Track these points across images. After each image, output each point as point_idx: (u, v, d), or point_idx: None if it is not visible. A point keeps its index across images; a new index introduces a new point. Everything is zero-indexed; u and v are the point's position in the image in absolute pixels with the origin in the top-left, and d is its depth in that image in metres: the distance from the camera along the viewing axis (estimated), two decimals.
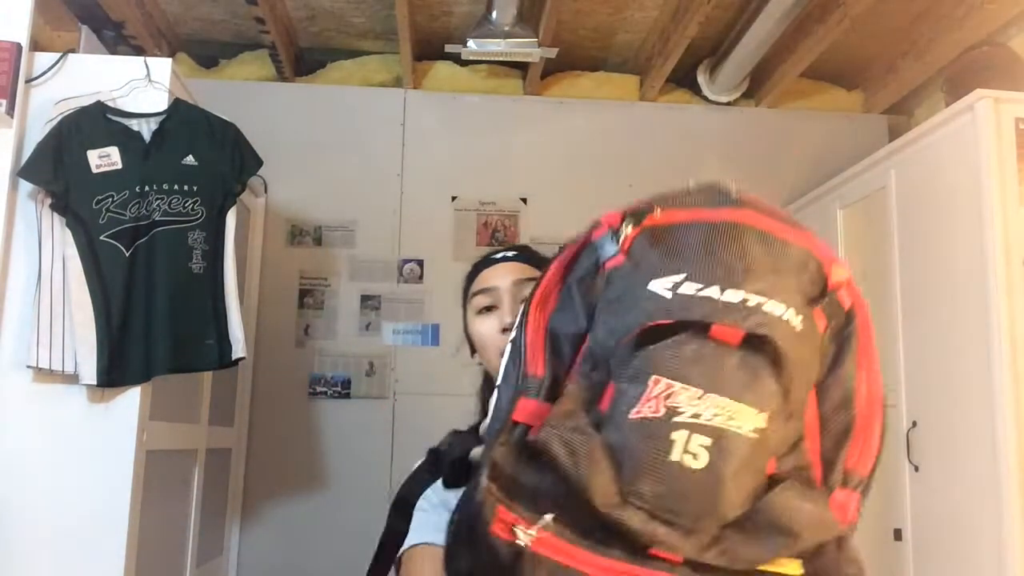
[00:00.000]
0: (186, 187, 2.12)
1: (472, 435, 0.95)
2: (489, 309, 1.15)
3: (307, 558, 3.18)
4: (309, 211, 3.42)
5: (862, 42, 3.32)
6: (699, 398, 0.59)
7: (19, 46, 2.07)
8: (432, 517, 1.02)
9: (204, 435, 2.70)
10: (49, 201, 2.04)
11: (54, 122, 2.06)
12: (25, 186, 2.07)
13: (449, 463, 0.94)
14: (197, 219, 2.13)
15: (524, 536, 0.62)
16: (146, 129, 2.13)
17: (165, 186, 2.10)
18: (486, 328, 1.14)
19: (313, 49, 3.55)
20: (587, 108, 3.60)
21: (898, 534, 2.60)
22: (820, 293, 0.66)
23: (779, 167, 3.50)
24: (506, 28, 3.02)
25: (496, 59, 3.26)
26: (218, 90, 3.26)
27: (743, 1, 3.06)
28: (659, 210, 0.67)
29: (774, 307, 0.61)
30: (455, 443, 0.96)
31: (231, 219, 2.20)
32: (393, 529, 1.03)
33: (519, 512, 0.63)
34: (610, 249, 0.67)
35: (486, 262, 1.20)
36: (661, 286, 0.62)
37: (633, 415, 0.60)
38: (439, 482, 1.05)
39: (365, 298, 3.39)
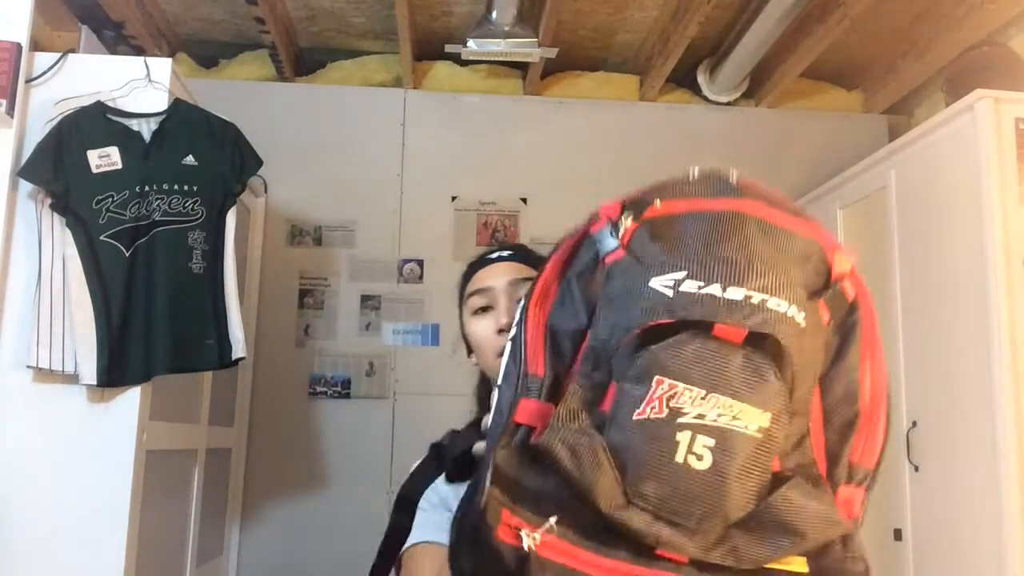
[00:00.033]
0: (186, 187, 2.12)
1: (474, 429, 0.95)
2: (485, 309, 1.14)
3: (307, 558, 3.18)
4: (309, 211, 3.42)
5: (862, 42, 3.32)
6: (703, 398, 0.58)
7: (19, 46, 2.07)
8: (433, 516, 1.02)
9: (204, 435, 2.70)
10: (49, 201, 2.04)
11: (54, 122, 2.06)
12: (25, 186, 2.07)
13: (452, 458, 0.94)
14: (197, 219, 2.13)
15: (529, 540, 0.62)
16: (146, 129, 2.13)
17: (165, 186, 2.10)
18: (482, 329, 1.14)
19: (313, 49, 3.55)
20: (587, 108, 3.60)
21: (898, 534, 2.60)
22: (823, 284, 0.65)
23: (779, 167, 3.49)
24: (506, 28, 3.02)
25: (496, 59, 3.26)
26: (218, 90, 3.26)
27: (743, 1, 3.06)
28: (659, 201, 0.66)
29: (777, 304, 0.60)
30: (457, 438, 0.96)
31: (231, 219, 2.20)
32: (397, 526, 1.03)
33: (523, 515, 0.63)
34: (610, 243, 0.66)
35: (482, 262, 1.20)
36: (662, 283, 0.61)
37: (636, 416, 0.59)
38: (440, 480, 1.05)
39: (365, 298, 3.39)
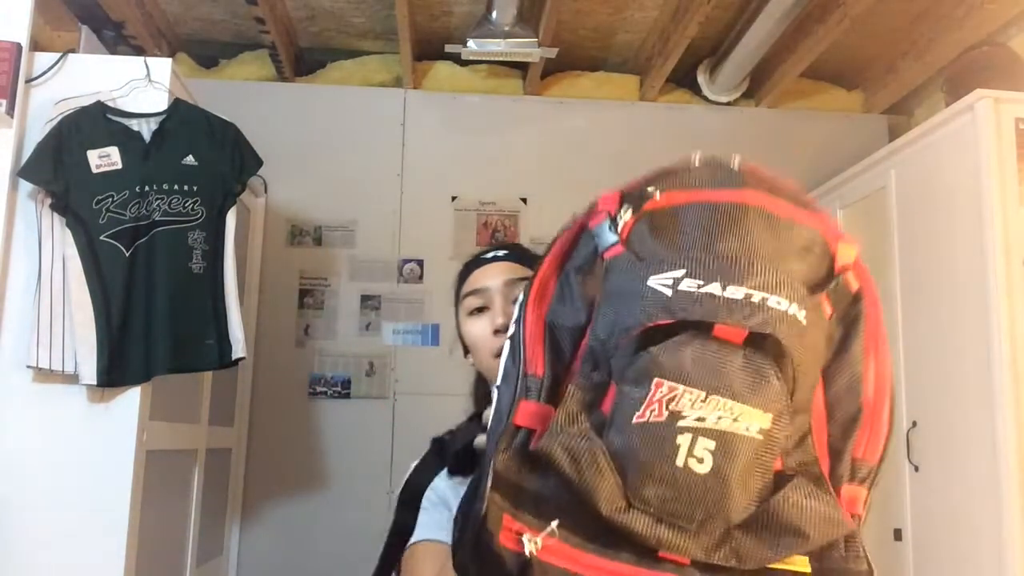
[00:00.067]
0: (186, 187, 2.12)
1: (475, 423, 0.94)
2: (481, 310, 1.14)
3: (307, 558, 3.18)
4: (309, 211, 3.42)
5: (862, 42, 3.32)
6: (703, 400, 0.57)
7: (19, 46, 2.07)
8: (433, 515, 1.02)
9: (204, 435, 2.70)
10: (49, 201, 2.04)
11: (54, 122, 2.06)
12: (25, 186, 2.07)
13: (453, 452, 0.93)
14: (197, 219, 2.13)
15: (530, 545, 0.61)
16: (146, 129, 2.13)
17: (165, 186, 2.10)
18: (478, 329, 1.13)
19: (313, 49, 3.55)
20: (587, 108, 3.60)
21: (898, 534, 2.60)
22: (826, 275, 0.64)
23: (779, 167, 3.42)
24: (506, 28, 3.02)
25: (496, 59, 3.26)
26: (218, 90, 3.26)
27: (743, 1, 3.06)
28: (658, 192, 0.65)
29: (777, 302, 0.59)
30: (458, 431, 0.95)
31: (231, 219, 2.20)
32: (401, 522, 1.02)
33: (525, 520, 0.62)
34: (609, 238, 0.64)
35: (477, 262, 1.19)
36: (660, 282, 0.60)
37: (636, 419, 0.58)
38: (439, 477, 1.05)
39: (365, 298, 3.39)
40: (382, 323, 3.37)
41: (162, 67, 2.20)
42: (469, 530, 0.64)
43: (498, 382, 0.70)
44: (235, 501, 3.15)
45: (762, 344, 0.59)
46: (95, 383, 1.99)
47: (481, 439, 0.85)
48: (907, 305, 2.64)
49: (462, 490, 1.14)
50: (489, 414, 0.70)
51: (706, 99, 3.63)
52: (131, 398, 2.06)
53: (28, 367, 1.99)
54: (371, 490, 3.12)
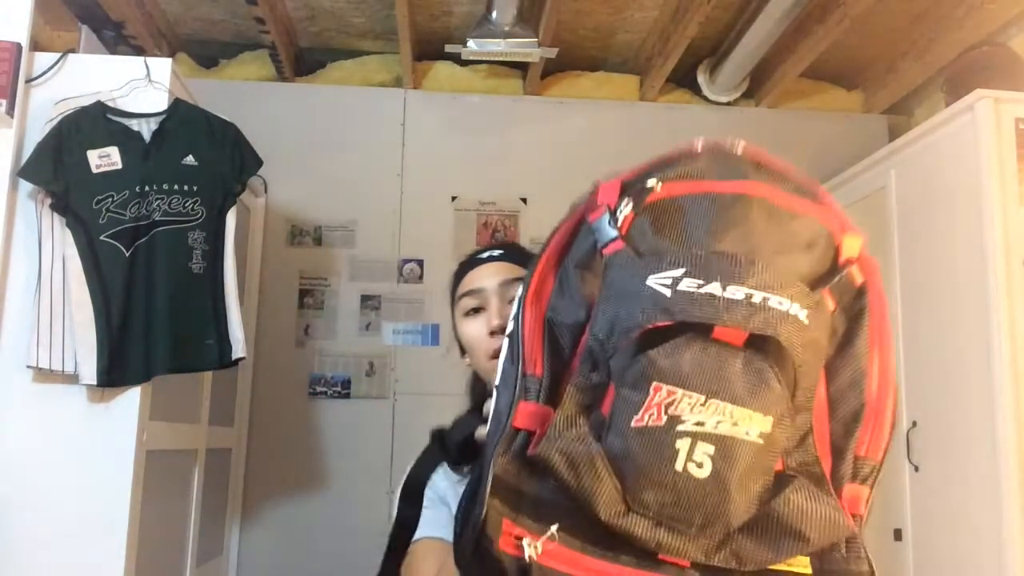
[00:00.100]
0: (186, 187, 2.12)
1: (475, 415, 0.93)
2: (476, 311, 1.14)
3: (307, 558, 3.18)
4: (309, 211, 3.42)
5: (862, 42, 3.32)
6: (702, 405, 0.56)
7: (19, 46, 2.07)
8: (432, 513, 1.03)
9: (204, 435, 2.70)
10: (49, 201, 2.04)
11: (54, 122, 2.06)
12: (25, 186, 2.07)
13: (454, 444, 0.93)
14: (197, 219, 2.13)
15: (530, 549, 0.61)
16: (146, 129, 2.14)
17: (165, 186, 2.10)
18: (474, 330, 1.13)
19: (313, 49, 3.55)
20: (587, 108, 3.60)
21: (898, 534, 2.60)
22: (830, 269, 0.63)
23: None
24: (506, 28, 3.02)
25: (496, 59, 3.26)
26: (218, 90, 3.26)
27: (743, 1, 3.06)
28: (659, 184, 0.63)
29: (779, 302, 0.58)
30: (459, 423, 0.95)
31: (231, 219, 2.20)
32: (404, 515, 1.02)
33: (524, 524, 0.62)
34: (609, 233, 0.63)
35: (472, 262, 1.19)
36: (659, 282, 0.59)
37: (635, 423, 0.58)
38: (438, 475, 1.05)
39: (365, 298, 3.39)
40: (382, 323, 3.37)
41: (162, 67, 2.20)
42: (468, 534, 0.64)
43: (496, 382, 0.69)
44: (235, 501, 3.15)
45: (763, 346, 0.58)
46: (95, 383, 1.99)
47: (482, 431, 0.84)
48: (907, 305, 2.64)
49: (461, 489, 1.14)
50: (490, 407, 0.70)
51: (706, 99, 3.63)
52: (131, 398, 2.06)
53: (28, 367, 1.99)
54: (371, 490, 3.12)
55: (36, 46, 2.24)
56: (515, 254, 1.18)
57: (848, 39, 3.18)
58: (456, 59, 3.35)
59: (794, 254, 0.61)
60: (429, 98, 3.56)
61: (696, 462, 0.57)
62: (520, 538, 0.61)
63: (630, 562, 0.61)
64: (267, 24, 3.05)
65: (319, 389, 3.31)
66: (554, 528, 0.61)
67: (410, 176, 3.48)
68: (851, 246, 0.64)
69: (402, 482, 1.04)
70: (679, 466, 0.57)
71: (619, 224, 0.63)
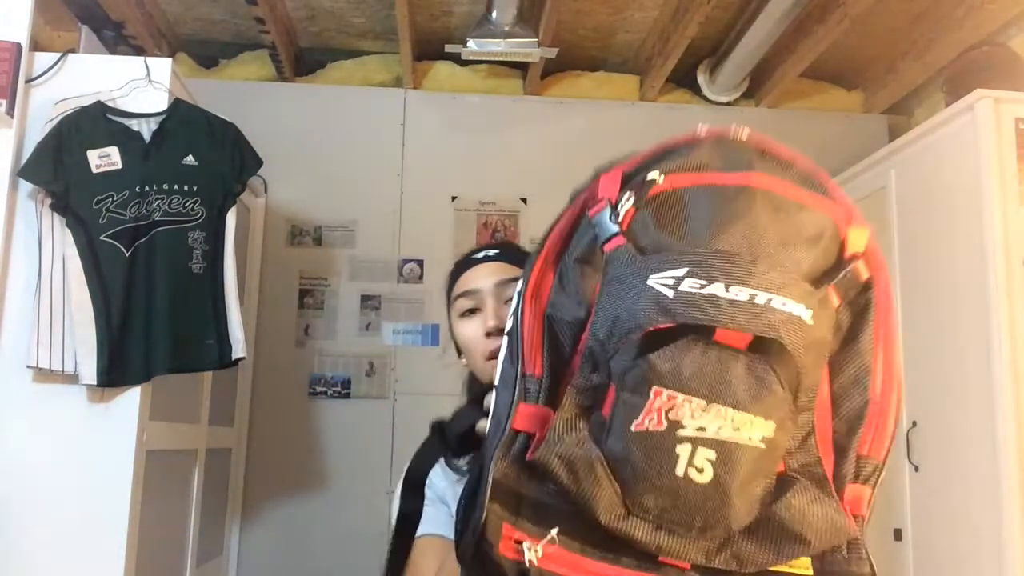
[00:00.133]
0: (186, 187, 2.12)
1: (475, 407, 0.93)
2: (472, 311, 1.14)
3: (307, 558, 3.18)
4: (309, 211, 3.42)
5: (862, 42, 3.32)
6: (703, 410, 0.56)
7: (19, 46, 2.07)
8: (431, 511, 1.03)
9: (204, 435, 2.70)
10: (49, 201, 2.04)
11: (54, 122, 2.06)
12: (25, 186, 2.07)
13: (455, 436, 0.92)
14: (197, 219, 2.13)
15: (530, 553, 0.60)
16: (146, 129, 2.14)
17: (165, 186, 2.10)
18: (469, 331, 1.13)
19: (313, 49, 3.55)
20: (587, 108, 3.60)
21: (898, 534, 2.60)
22: (835, 263, 0.61)
23: None
24: (506, 28, 3.02)
25: (496, 59, 3.26)
26: (218, 90, 3.26)
27: (743, 1, 3.06)
28: (662, 176, 0.62)
29: (783, 303, 0.56)
30: (459, 415, 0.94)
31: (231, 219, 2.21)
32: (408, 508, 1.02)
33: (524, 528, 0.61)
34: (610, 228, 0.62)
35: (468, 262, 1.18)
36: (661, 282, 0.57)
37: (635, 427, 0.57)
38: (436, 474, 1.04)
39: (365, 298, 3.39)
40: (382, 323, 3.37)
41: (162, 67, 2.20)
42: (468, 538, 0.63)
43: (496, 382, 0.68)
44: (235, 501, 3.15)
45: (765, 348, 0.57)
46: (95, 383, 1.99)
47: (483, 423, 0.83)
48: (907, 305, 2.64)
49: (460, 488, 1.13)
50: (491, 400, 0.69)
51: (706, 99, 3.63)
52: (131, 398, 2.06)
53: (28, 367, 1.99)
54: (371, 490, 3.12)
55: (36, 46, 2.24)
56: (511, 254, 1.18)
57: (848, 39, 3.18)
58: (456, 59, 3.35)
59: (798, 248, 0.60)
60: (429, 98, 3.56)
61: (697, 467, 0.56)
62: (520, 542, 0.61)
63: (630, 564, 0.60)
64: (267, 24, 3.05)
65: (319, 389, 3.31)
66: (554, 532, 0.61)
67: (410, 176, 3.48)
68: (857, 239, 0.62)
69: (403, 474, 1.04)
70: (680, 471, 0.56)
71: (620, 219, 0.62)
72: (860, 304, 0.62)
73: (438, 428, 0.95)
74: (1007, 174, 2.32)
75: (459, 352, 1.18)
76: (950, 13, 3.02)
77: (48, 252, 2.02)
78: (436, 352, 3.32)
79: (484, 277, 1.14)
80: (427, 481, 1.03)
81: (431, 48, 3.43)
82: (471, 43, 3.06)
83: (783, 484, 0.59)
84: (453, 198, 3.49)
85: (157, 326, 2.05)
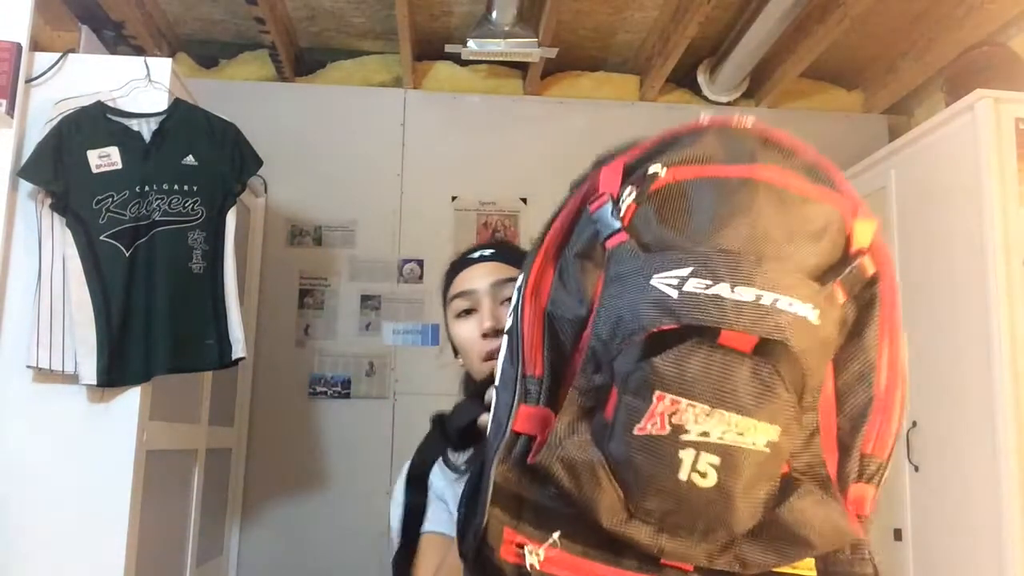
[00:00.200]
0: (186, 187, 2.12)
1: (476, 401, 0.92)
2: (468, 312, 1.13)
3: (307, 558, 3.18)
4: (309, 211, 3.42)
5: (862, 42, 3.32)
6: (707, 415, 0.54)
7: (19, 46, 2.07)
8: (431, 509, 1.03)
9: (204, 435, 2.70)
10: (49, 201, 2.04)
11: (54, 122, 2.06)
12: (25, 186, 2.07)
13: (456, 430, 0.92)
14: (197, 219, 2.13)
15: (532, 557, 0.60)
16: (146, 129, 2.14)
17: (165, 186, 2.10)
18: (465, 332, 1.13)
19: (313, 49, 3.55)
20: (587, 108, 3.60)
21: (898, 534, 2.60)
22: (840, 258, 0.60)
23: None
24: (506, 28, 3.02)
25: (496, 59, 3.26)
26: (218, 90, 3.26)
27: (743, 1, 3.06)
28: (664, 169, 0.61)
29: (789, 304, 0.55)
30: (460, 409, 0.93)
31: (231, 219, 2.21)
32: (413, 502, 1.02)
33: (526, 532, 0.61)
34: (611, 224, 0.60)
35: (464, 262, 1.18)
36: (665, 282, 0.56)
37: (637, 431, 0.56)
38: (435, 474, 1.04)
39: (365, 298, 3.39)
40: (382, 323, 3.37)
41: (162, 67, 2.20)
42: (470, 541, 0.63)
43: (496, 383, 0.68)
44: (235, 501, 3.15)
45: (770, 350, 0.55)
46: (95, 383, 1.99)
47: (484, 418, 0.82)
48: (907, 305, 2.61)
49: (459, 488, 1.13)
50: (492, 394, 0.68)
51: (706, 99, 3.63)
52: (131, 398, 2.06)
53: (28, 367, 1.99)
54: (371, 490, 3.12)
55: (36, 46, 2.24)
56: (507, 253, 1.17)
57: (848, 39, 3.18)
58: (456, 59, 3.35)
59: (803, 244, 0.59)
60: (429, 98, 3.56)
61: (700, 472, 0.55)
62: (521, 546, 0.60)
63: (632, 566, 0.60)
64: (267, 24, 3.05)
65: (319, 389, 3.31)
66: (556, 535, 0.60)
67: (410, 176, 3.48)
68: (863, 232, 0.61)
69: (405, 470, 1.04)
70: (683, 476, 0.55)
71: (622, 215, 0.60)
72: (865, 299, 0.61)
73: (439, 422, 0.95)
74: (1007, 174, 2.32)
75: (455, 352, 1.18)
76: (950, 13, 3.02)
77: (48, 252, 2.02)
78: (436, 352, 3.32)
79: (480, 277, 1.14)
80: (429, 481, 1.03)
81: (431, 48, 3.43)
82: (471, 43, 3.07)
83: (787, 486, 0.58)
84: (453, 198, 3.49)
85: (157, 326, 2.06)
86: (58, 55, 2.18)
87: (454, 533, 1.03)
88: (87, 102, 2.09)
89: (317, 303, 3.37)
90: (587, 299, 0.61)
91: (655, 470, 0.56)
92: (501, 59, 3.24)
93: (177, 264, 2.10)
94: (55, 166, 2.02)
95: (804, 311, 0.56)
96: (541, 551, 0.60)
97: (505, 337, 0.66)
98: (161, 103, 2.17)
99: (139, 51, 3.14)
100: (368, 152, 3.48)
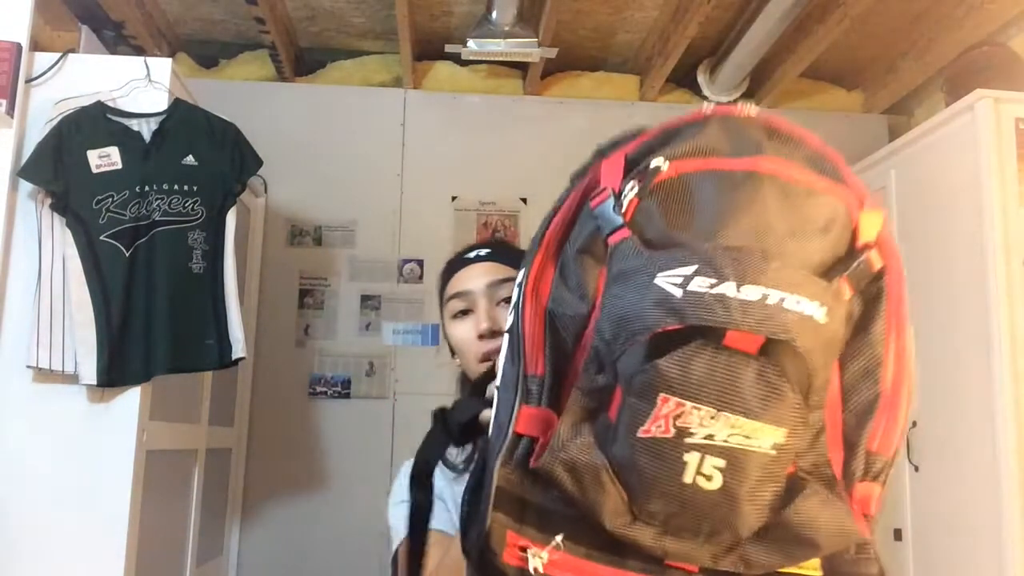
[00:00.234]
0: (186, 187, 2.12)
1: (478, 396, 0.92)
2: (465, 313, 1.13)
3: (307, 558, 3.18)
4: (309, 211, 3.42)
5: (862, 42, 3.32)
6: (712, 418, 0.54)
7: (19, 46, 2.07)
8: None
9: (204, 435, 2.70)
10: (49, 201, 2.04)
11: (54, 122, 2.06)
12: (25, 186, 2.07)
13: (458, 425, 0.92)
14: (197, 219, 2.13)
15: (535, 560, 0.59)
16: (146, 129, 2.14)
17: (165, 186, 2.10)
18: (462, 333, 1.13)
19: (313, 49, 3.55)
20: (587, 108, 3.60)
21: (898, 534, 2.60)
22: (846, 251, 0.59)
23: None
24: (506, 28, 3.02)
25: (496, 59, 3.26)
26: (218, 90, 3.26)
27: (743, 1, 3.06)
28: (666, 162, 0.60)
29: (796, 302, 0.54)
30: (462, 405, 0.94)
31: (231, 219, 2.21)
32: (418, 501, 1.02)
33: (529, 534, 0.60)
34: (613, 220, 0.59)
35: (460, 262, 1.18)
36: (669, 280, 0.55)
37: (641, 433, 0.55)
38: (435, 469, 1.04)
39: (365, 298, 3.39)
40: (382, 323, 3.37)
41: (162, 67, 2.20)
42: (472, 541, 0.63)
43: (497, 383, 0.67)
44: (235, 501, 3.15)
45: (777, 351, 0.54)
46: (95, 383, 1.99)
47: (487, 413, 0.82)
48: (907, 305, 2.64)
49: (457, 487, 1.13)
50: (494, 389, 0.68)
51: (706, 99, 3.62)
52: (131, 398, 2.06)
53: (28, 367, 1.99)
54: (371, 490, 3.11)
55: (36, 46, 2.24)
56: (503, 253, 1.17)
57: (848, 39, 3.18)
58: (456, 59, 3.35)
59: (809, 239, 0.58)
60: (429, 98, 3.56)
61: (705, 475, 0.55)
62: (525, 549, 0.60)
63: (636, 567, 0.59)
64: (267, 24, 3.05)
65: (319, 389, 3.31)
66: (559, 538, 0.60)
67: (410, 176, 3.48)
68: (869, 226, 0.60)
69: (406, 469, 1.03)
70: (687, 479, 0.55)
71: (624, 210, 0.59)
72: (872, 292, 0.60)
73: (441, 417, 0.95)
74: (1007, 174, 2.32)
75: (452, 353, 1.18)
76: (950, 13, 3.02)
77: (48, 252, 2.02)
78: (436, 352, 3.32)
79: (476, 278, 1.14)
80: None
81: (431, 48, 3.43)
82: (471, 43, 3.06)
83: (793, 487, 0.57)
84: (453, 198, 3.49)
85: (157, 326, 2.06)
86: (58, 55, 2.18)
87: (452, 531, 1.03)
88: (87, 102, 2.09)
89: (317, 303, 3.37)
90: (589, 296, 0.60)
91: (659, 473, 0.55)
92: (501, 59, 3.24)
93: (177, 264, 2.10)
94: (55, 166, 2.03)
95: (811, 310, 0.55)
96: (544, 554, 0.60)
97: (506, 335, 0.66)
98: (161, 103, 2.17)
99: (139, 51, 3.13)
100: (368, 152, 3.47)
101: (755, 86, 3.60)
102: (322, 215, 3.42)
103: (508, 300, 1.12)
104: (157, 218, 2.08)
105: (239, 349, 2.19)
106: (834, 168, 0.62)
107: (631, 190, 0.60)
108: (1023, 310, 2.25)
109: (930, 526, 2.49)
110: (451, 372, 1.23)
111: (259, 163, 2.30)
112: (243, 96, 3.36)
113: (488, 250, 1.18)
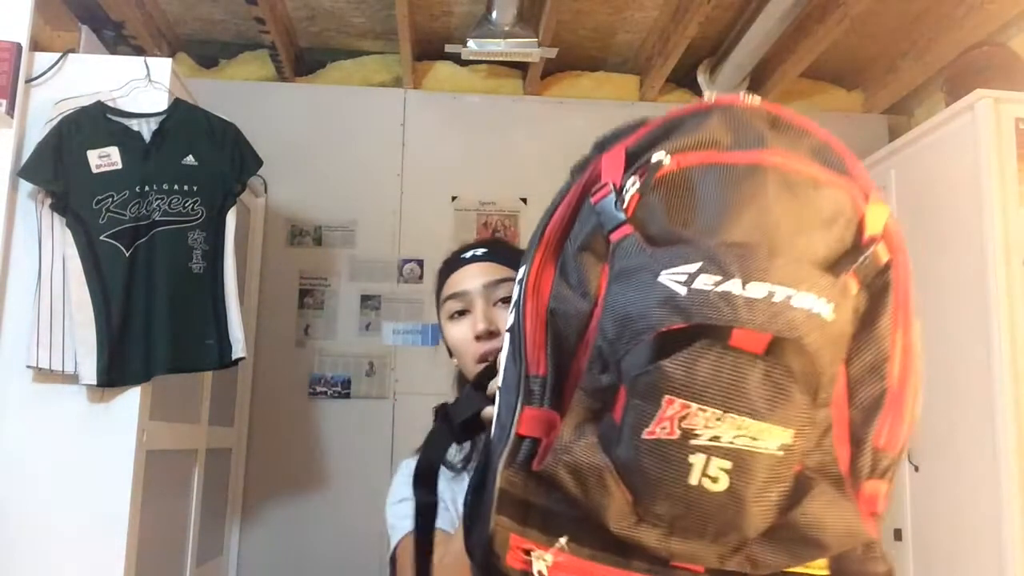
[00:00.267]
0: (186, 187, 2.12)
1: (479, 394, 0.91)
2: (462, 313, 1.13)
3: (307, 558, 3.18)
4: (309, 211, 3.42)
5: (862, 42, 3.32)
6: (718, 419, 0.53)
7: (19, 46, 2.07)
8: None
9: (204, 435, 2.70)
10: (49, 201, 2.04)
11: (54, 122, 2.06)
12: (25, 186, 2.07)
13: (460, 423, 0.91)
14: (197, 219, 2.13)
15: (539, 563, 0.59)
16: (146, 129, 2.14)
17: (165, 186, 2.10)
18: (459, 334, 1.12)
19: (313, 49, 3.55)
20: (587, 108, 3.60)
21: (898, 534, 2.60)
22: (852, 244, 0.58)
23: None
24: (506, 28, 3.02)
25: (496, 59, 3.26)
26: (218, 90, 3.26)
27: (743, 1, 3.06)
28: (668, 156, 0.58)
29: (802, 300, 0.53)
30: (464, 401, 0.91)
31: (231, 219, 2.21)
32: (423, 501, 1.01)
33: (533, 537, 0.59)
34: (615, 216, 0.58)
35: (456, 262, 1.17)
36: (673, 278, 0.54)
37: (646, 435, 0.54)
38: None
39: (365, 298, 3.38)
40: (382, 323, 3.37)
41: (162, 67, 2.20)
42: (475, 541, 0.62)
43: (498, 383, 0.67)
44: (235, 501, 3.15)
45: (784, 348, 0.53)
46: (95, 383, 1.99)
47: (489, 410, 0.81)
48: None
49: (456, 487, 1.13)
50: (495, 387, 0.67)
51: None
52: (131, 398, 2.06)
53: (28, 367, 1.99)
54: (371, 490, 3.09)
55: (36, 46, 2.24)
56: (500, 252, 1.16)
57: (848, 39, 3.18)
58: (456, 59, 3.35)
59: (814, 233, 0.57)
60: (429, 98, 3.56)
61: (711, 477, 0.54)
62: (529, 551, 0.59)
63: (642, 568, 0.59)
64: (267, 24, 3.05)
65: (319, 389, 3.30)
66: (563, 540, 0.59)
67: (410, 176, 3.48)
68: (875, 219, 0.58)
69: (408, 468, 1.02)
70: (693, 481, 0.54)
71: (625, 205, 0.58)
72: (878, 286, 0.59)
73: (442, 414, 0.94)
74: (1007, 174, 2.32)
75: (450, 353, 1.18)
76: (950, 13, 3.02)
77: (48, 252, 2.02)
78: (436, 352, 3.32)
79: (472, 278, 1.13)
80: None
81: (431, 48, 3.43)
82: (471, 43, 3.06)
83: (800, 487, 0.56)
84: (453, 198, 3.49)
85: (157, 326, 2.06)
86: (58, 55, 2.18)
87: (451, 530, 1.03)
88: (87, 102, 2.09)
89: (317, 303, 3.37)
90: (591, 293, 0.60)
91: (664, 475, 0.55)
92: (501, 59, 3.24)
93: (177, 264, 2.10)
94: (55, 166, 2.03)
95: (818, 307, 0.54)
96: (549, 556, 0.59)
97: (506, 335, 0.65)
98: (161, 103, 2.17)
99: (139, 51, 3.13)
100: (368, 152, 3.47)
101: (755, 86, 3.59)
102: (322, 215, 3.42)
103: (505, 300, 1.12)
104: (157, 218, 2.08)
105: (239, 349, 2.19)
106: (839, 160, 0.61)
107: (633, 185, 0.59)
108: (1023, 310, 2.25)
109: (930, 526, 2.49)
110: (451, 372, 1.23)
111: (259, 163, 2.30)
112: (243, 96, 3.36)
113: (484, 249, 1.17)
